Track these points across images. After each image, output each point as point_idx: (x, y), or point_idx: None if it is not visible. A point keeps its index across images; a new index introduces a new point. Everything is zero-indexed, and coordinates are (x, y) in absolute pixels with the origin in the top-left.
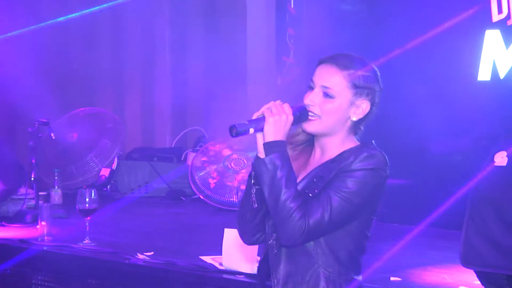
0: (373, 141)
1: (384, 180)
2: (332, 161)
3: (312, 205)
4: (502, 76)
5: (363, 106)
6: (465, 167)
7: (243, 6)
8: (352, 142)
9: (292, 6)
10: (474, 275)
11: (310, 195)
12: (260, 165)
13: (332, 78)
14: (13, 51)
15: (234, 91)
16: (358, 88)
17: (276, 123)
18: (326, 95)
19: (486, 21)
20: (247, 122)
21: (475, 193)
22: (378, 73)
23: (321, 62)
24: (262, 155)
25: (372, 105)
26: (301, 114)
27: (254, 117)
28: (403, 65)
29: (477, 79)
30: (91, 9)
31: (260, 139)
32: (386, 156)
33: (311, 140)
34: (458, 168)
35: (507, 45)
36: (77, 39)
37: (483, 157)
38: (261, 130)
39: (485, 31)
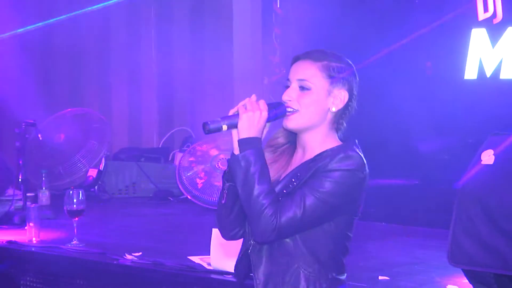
0: (356, 141)
1: (362, 181)
2: (311, 160)
3: (285, 203)
4: (488, 74)
5: (341, 96)
6: (452, 166)
7: (229, 6)
8: (334, 141)
9: (278, 6)
10: (462, 274)
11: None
12: (234, 161)
13: (307, 71)
14: None
15: (221, 91)
16: (334, 78)
17: (249, 119)
18: (303, 88)
19: (472, 20)
20: (219, 119)
21: (463, 192)
22: (353, 66)
23: (294, 59)
24: (237, 151)
25: (351, 96)
26: (277, 110)
27: (230, 113)
28: (390, 64)
29: (463, 77)
30: (78, 11)
31: (235, 136)
32: (363, 158)
33: (292, 141)
34: (445, 167)
35: (493, 44)
36: (63, 40)
37: (470, 155)
38: (235, 126)
39: (471, 29)
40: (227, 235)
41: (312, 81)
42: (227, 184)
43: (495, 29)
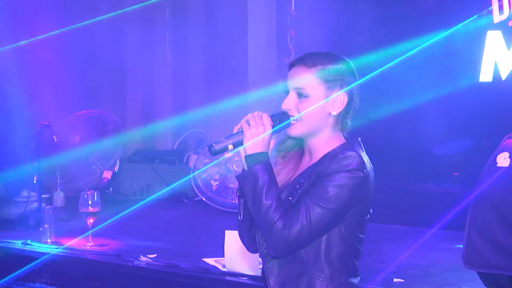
0: (359, 139)
1: (363, 180)
2: (315, 165)
3: (292, 216)
4: (503, 77)
5: (340, 99)
6: (467, 169)
7: (243, 8)
8: (338, 140)
9: (293, 8)
10: (477, 276)
11: (293, 202)
12: (243, 178)
13: (302, 78)
14: (15, 54)
15: (235, 92)
16: (330, 82)
17: (253, 136)
18: (301, 95)
19: (487, 22)
20: (224, 139)
21: (477, 194)
22: (352, 64)
23: (291, 65)
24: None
25: (351, 96)
26: (281, 121)
27: (235, 130)
28: (405, 67)
29: (479, 80)
30: (94, 19)
31: (242, 153)
32: (363, 156)
33: (301, 143)
34: (459, 169)
35: (508, 46)
36: (79, 42)
37: (485, 158)
38: (241, 144)
39: (486, 32)
40: (252, 249)
41: (309, 88)
42: (242, 200)
43: (510, 32)
